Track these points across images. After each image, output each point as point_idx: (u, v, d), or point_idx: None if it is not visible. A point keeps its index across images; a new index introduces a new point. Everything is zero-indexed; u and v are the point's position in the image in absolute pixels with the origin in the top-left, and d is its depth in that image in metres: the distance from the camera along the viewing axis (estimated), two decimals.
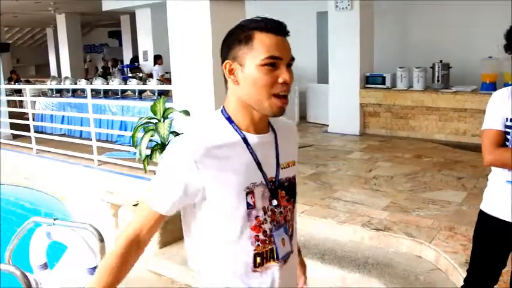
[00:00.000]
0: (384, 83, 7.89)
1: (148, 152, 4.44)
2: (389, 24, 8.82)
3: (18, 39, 22.96)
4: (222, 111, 1.36)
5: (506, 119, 2.08)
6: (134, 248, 1.33)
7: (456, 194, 4.67)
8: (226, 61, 1.31)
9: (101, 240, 2.95)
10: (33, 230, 3.11)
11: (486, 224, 2.25)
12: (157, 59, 11.71)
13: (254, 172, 1.32)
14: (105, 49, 20.78)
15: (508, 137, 2.07)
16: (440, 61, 7.42)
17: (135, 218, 1.36)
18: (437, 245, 3.54)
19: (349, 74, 8.02)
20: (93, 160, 6.75)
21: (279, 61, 1.26)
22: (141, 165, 4.62)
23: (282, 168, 1.39)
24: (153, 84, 8.83)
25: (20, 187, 6.99)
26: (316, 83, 9.67)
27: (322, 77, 9.54)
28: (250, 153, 1.32)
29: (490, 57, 6.76)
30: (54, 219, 3.00)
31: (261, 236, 1.34)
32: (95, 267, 2.94)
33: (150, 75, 11.74)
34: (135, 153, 4.79)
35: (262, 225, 1.34)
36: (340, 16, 7.98)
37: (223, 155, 1.28)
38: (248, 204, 1.30)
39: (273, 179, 1.36)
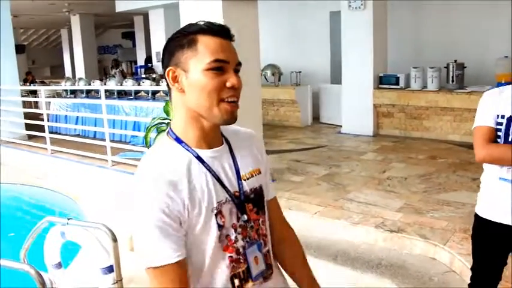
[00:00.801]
0: (397, 83, 7.83)
1: None
2: (402, 24, 8.76)
3: (33, 41, 23.22)
4: (168, 132, 1.28)
5: (497, 115, 2.10)
6: None
7: (471, 196, 4.61)
8: (169, 68, 1.22)
9: (114, 240, 2.97)
10: (48, 229, 3.14)
11: (482, 228, 2.26)
12: None
13: (217, 190, 1.23)
14: (118, 50, 20.90)
15: (499, 133, 2.09)
16: (455, 61, 7.35)
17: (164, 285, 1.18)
18: (452, 247, 3.51)
19: (363, 74, 7.97)
20: (107, 160, 6.80)
21: (225, 65, 1.19)
22: None
23: (244, 180, 1.30)
24: (165, 85, 8.85)
25: (34, 187, 7.05)
26: (329, 84, 9.63)
27: (335, 77, 9.50)
28: (208, 170, 1.23)
29: (506, 56, 6.67)
30: (68, 219, 3.03)
31: (234, 256, 1.25)
32: (109, 267, 2.97)
33: (162, 76, 11.77)
34: None
35: (235, 244, 1.25)
36: (353, 16, 7.94)
37: (182, 179, 1.18)
38: (219, 225, 1.21)
39: (237, 193, 1.27)
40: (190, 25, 1.23)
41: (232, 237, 1.25)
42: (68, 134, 9.05)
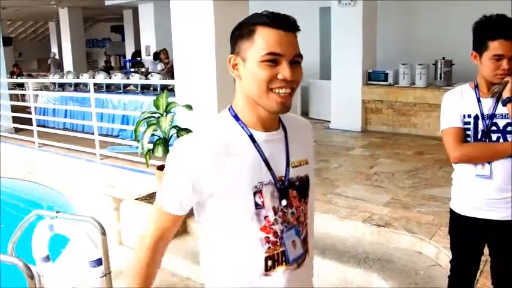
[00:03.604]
0: (386, 79, 7.88)
1: (151, 146, 4.46)
2: (392, 21, 8.80)
3: (20, 33, 22.99)
4: (229, 109, 1.33)
5: (464, 115, 2.18)
6: (160, 246, 1.42)
7: None
8: (230, 55, 1.29)
9: (103, 233, 2.97)
10: (36, 223, 3.13)
11: (459, 223, 2.34)
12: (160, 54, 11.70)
13: (262, 171, 1.28)
14: (107, 44, 20.78)
15: (468, 132, 2.17)
16: (443, 58, 7.41)
17: (153, 217, 1.40)
18: (438, 241, 3.55)
19: (352, 70, 8.01)
20: (95, 154, 6.77)
21: (279, 57, 1.21)
22: (143, 160, 4.65)
23: (292, 167, 1.34)
24: (155, 79, 8.83)
25: (22, 180, 7.02)
26: (319, 79, 9.66)
27: (325, 73, 9.54)
28: (258, 151, 1.28)
29: None
30: (57, 212, 3.02)
31: (272, 238, 1.29)
32: (97, 260, 2.97)
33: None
34: (137, 148, 4.81)
35: (273, 226, 1.29)
36: (343, 12, 7.96)
37: (229, 152, 1.25)
38: (256, 204, 1.26)
39: (283, 178, 1.31)
40: (253, 15, 1.27)
41: (271, 219, 1.28)
42: (56, 127, 8.99)
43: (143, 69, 11.75)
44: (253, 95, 1.25)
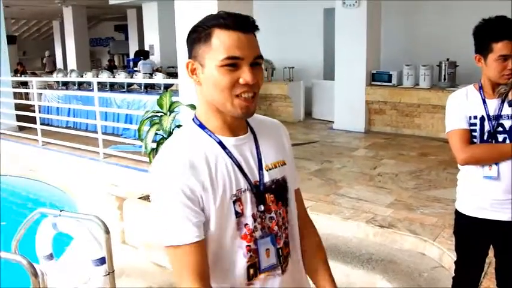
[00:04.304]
0: (390, 80, 7.87)
1: (154, 145, 4.46)
2: (396, 22, 8.79)
3: (24, 32, 23.02)
4: (193, 119, 1.29)
5: (470, 117, 2.18)
6: (209, 284, 1.20)
7: None
8: (188, 60, 1.24)
9: (107, 232, 2.97)
10: (40, 221, 3.14)
11: (464, 224, 2.34)
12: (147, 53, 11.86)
13: (238, 177, 1.23)
14: (111, 43, 20.79)
15: (475, 134, 2.17)
16: (447, 59, 7.40)
17: (181, 265, 1.18)
18: (441, 243, 3.55)
19: (355, 70, 8.00)
20: (98, 153, 6.78)
21: (239, 61, 1.16)
22: (146, 159, 4.64)
23: (266, 170, 1.29)
24: (159, 78, 8.84)
25: (26, 179, 7.02)
26: (322, 80, 9.66)
27: (328, 73, 9.53)
28: (230, 157, 1.23)
29: None
30: (60, 211, 3.02)
31: (252, 246, 1.24)
32: (100, 259, 2.97)
33: (156, 69, 11.75)
34: (140, 147, 4.81)
35: (253, 234, 1.24)
36: (348, 13, 7.95)
37: (203, 163, 1.19)
38: (236, 212, 1.21)
39: (257, 183, 1.26)
40: (208, 17, 1.22)
41: (251, 226, 1.24)
42: (60, 126, 9.00)
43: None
44: (216, 101, 1.21)
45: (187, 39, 1.25)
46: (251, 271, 1.25)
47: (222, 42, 1.16)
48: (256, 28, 1.22)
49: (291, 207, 1.35)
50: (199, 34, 1.20)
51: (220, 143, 1.23)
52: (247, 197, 1.23)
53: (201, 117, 1.27)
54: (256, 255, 1.25)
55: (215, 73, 1.17)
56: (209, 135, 1.24)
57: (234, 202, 1.21)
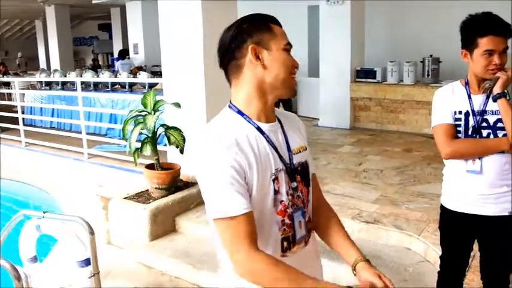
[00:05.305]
0: (374, 77, 7.91)
1: (139, 145, 4.43)
2: (380, 19, 8.84)
3: (6, 31, 22.69)
4: (230, 106, 1.42)
5: (455, 112, 2.21)
6: (261, 253, 1.28)
7: None
8: (251, 45, 1.37)
9: (91, 233, 2.94)
10: (23, 223, 3.10)
11: (449, 219, 2.37)
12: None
13: (275, 158, 1.38)
14: (95, 42, 20.63)
15: (459, 128, 2.21)
16: (431, 55, 7.46)
17: (233, 234, 1.28)
18: (426, 238, 3.58)
19: (340, 67, 8.03)
20: (83, 153, 6.72)
21: (290, 48, 1.41)
22: (131, 158, 4.61)
23: (293, 154, 1.45)
24: (143, 77, 8.79)
25: (9, 180, 6.94)
26: (307, 77, 9.67)
27: (313, 70, 9.55)
28: (267, 141, 1.38)
29: None
30: (44, 212, 2.99)
31: (287, 220, 1.40)
32: (85, 260, 2.94)
33: (140, 68, 11.68)
34: (125, 146, 4.78)
35: (287, 210, 1.40)
36: (332, 10, 7.98)
37: (247, 144, 1.33)
38: (275, 190, 1.36)
39: (288, 164, 1.42)
40: (255, 14, 1.43)
41: (286, 203, 1.40)
42: (43, 126, 8.90)
43: (131, 68, 11.67)
44: (280, 79, 1.38)
45: (239, 30, 1.39)
46: (285, 244, 1.40)
47: (279, 31, 1.41)
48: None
49: (311, 187, 1.53)
50: (258, 25, 1.40)
51: (258, 128, 1.38)
52: (283, 176, 1.39)
53: (239, 104, 1.40)
54: (290, 228, 1.41)
55: (283, 54, 1.39)
56: (247, 121, 1.38)
57: (273, 180, 1.36)
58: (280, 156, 1.39)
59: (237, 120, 1.38)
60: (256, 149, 1.34)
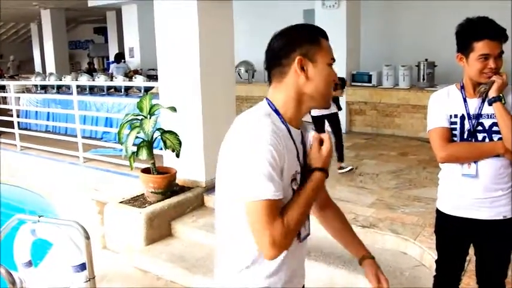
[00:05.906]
0: (370, 81, 7.94)
1: (135, 149, 4.42)
2: (375, 23, 8.87)
3: (1, 35, 22.61)
4: (268, 103, 1.46)
5: (451, 115, 2.22)
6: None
7: None
8: (299, 57, 1.41)
9: (87, 237, 2.93)
10: (18, 227, 3.08)
11: (444, 223, 2.37)
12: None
13: (296, 161, 1.44)
14: (90, 45, 20.58)
15: (455, 132, 2.21)
16: (426, 60, 7.49)
17: (268, 215, 1.31)
18: (422, 242, 3.58)
19: (336, 71, 8.01)
20: (78, 157, 6.70)
21: (333, 62, 1.47)
22: (127, 162, 4.60)
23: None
24: (139, 81, 8.78)
25: (4, 184, 6.90)
26: None
27: None
28: (294, 144, 1.43)
29: None
30: (39, 217, 2.97)
31: None
32: (81, 265, 2.93)
33: (136, 72, 11.66)
34: (121, 150, 4.77)
35: None
36: (327, 14, 8.00)
37: (282, 140, 1.36)
38: (293, 190, 1.42)
39: (303, 168, 1.48)
40: (304, 24, 1.52)
41: None
42: (39, 130, 8.87)
43: (127, 71, 11.65)
44: (320, 93, 1.45)
45: (288, 40, 1.45)
46: (295, 242, 1.45)
47: (326, 46, 1.47)
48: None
49: None
50: (307, 36, 1.45)
51: (288, 130, 1.43)
52: (298, 179, 1.45)
53: (278, 104, 1.46)
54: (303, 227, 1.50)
55: (327, 69, 1.45)
56: (282, 121, 1.43)
57: (292, 181, 1.41)
58: (299, 160, 1.45)
59: (273, 116, 1.42)
60: (286, 148, 1.37)
